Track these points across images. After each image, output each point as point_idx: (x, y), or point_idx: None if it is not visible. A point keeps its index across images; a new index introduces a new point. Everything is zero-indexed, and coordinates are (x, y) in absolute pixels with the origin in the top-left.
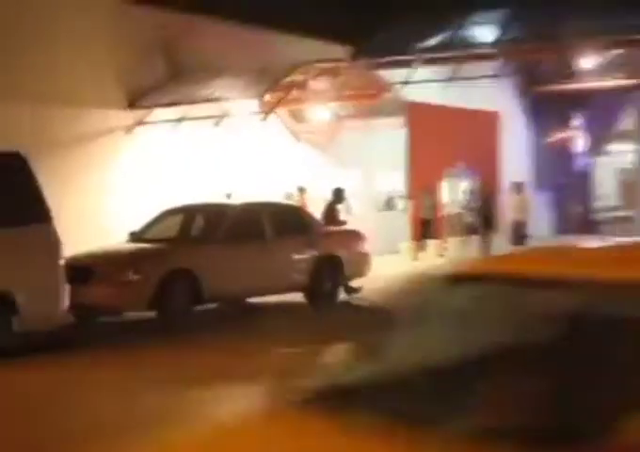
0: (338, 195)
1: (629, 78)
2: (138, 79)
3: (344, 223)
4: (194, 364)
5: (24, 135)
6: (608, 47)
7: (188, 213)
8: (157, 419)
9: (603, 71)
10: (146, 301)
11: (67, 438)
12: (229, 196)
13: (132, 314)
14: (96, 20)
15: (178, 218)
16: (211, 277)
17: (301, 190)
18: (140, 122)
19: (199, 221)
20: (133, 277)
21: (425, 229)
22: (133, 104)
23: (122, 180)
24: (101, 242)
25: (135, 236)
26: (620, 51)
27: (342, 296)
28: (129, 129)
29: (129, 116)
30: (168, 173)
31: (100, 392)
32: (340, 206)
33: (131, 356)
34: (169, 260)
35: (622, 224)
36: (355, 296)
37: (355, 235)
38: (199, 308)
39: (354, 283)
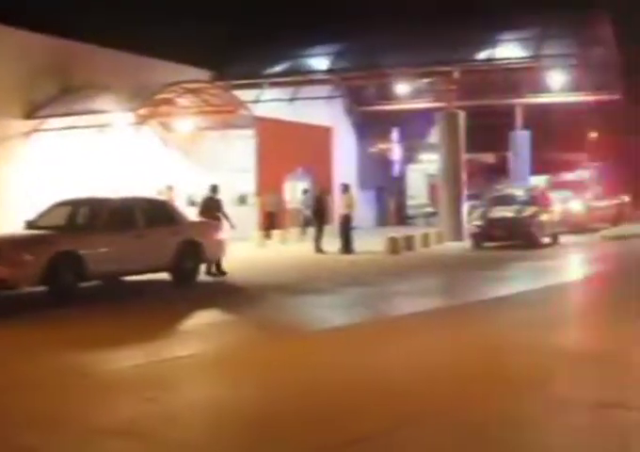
0: (214, 190)
1: (435, 101)
2: (34, 94)
3: (217, 217)
4: (76, 331)
5: None
6: (419, 76)
7: (75, 205)
8: (43, 376)
9: (415, 95)
10: (38, 278)
11: None
12: (114, 192)
13: (27, 290)
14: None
15: (66, 209)
16: (93, 258)
17: (169, 188)
18: (36, 130)
19: (83, 212)
20: (27, 257)
21: (271, 221)
22: (29, 114)
23: (20, 178)
24: (1, 229)
25: (29, 224)
26: (429, 79)
27: (205, 276)
28: (26, 136)
29: (26, 124)
30: (60, 172)
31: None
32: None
33: (25, 324)
34: (58, 243)
35: (429, 218)
36: (221, 277)
37: (213, 225)
38: (83, 284)
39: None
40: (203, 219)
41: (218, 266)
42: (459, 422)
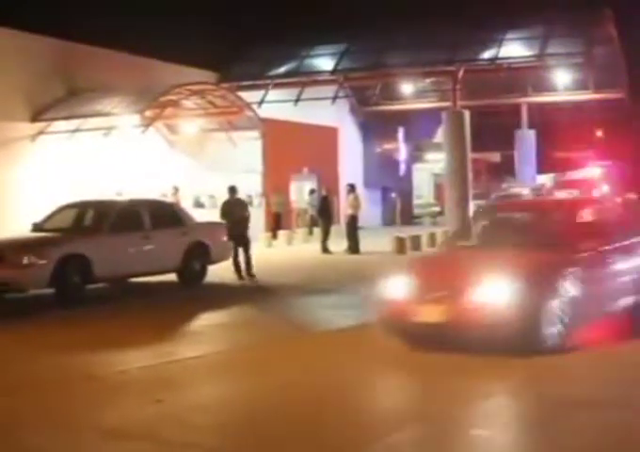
0: (233, 191)
1: (440, 101)
2: (40, 97)
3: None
4: (84, 333)
5: None
6: (423, 76)
7: (82, 207)
8: (52, 378)
9: (420, 94)
10: (46, 281)
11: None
12: (119, 194)
13: (34, 292)
14: (4, 48)
15: (73, 212)
16: (100, 261)
17: (175, 189)
18: (42, 133)
19: (90, 214)
20: (35, 260)
21: (277, 221)
22: (35, 117)
23: (27, 180)
24: (8, 232)
25: (37, 227)
26: (433, 79)
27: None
28: (33, 138)
29: (32, 127)
30: (66, 174)
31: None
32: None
33: (33, 326)
34: (65, 246)
35: (435, 217)
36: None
37: (219, 227)
38: (90, 287)
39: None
40: (210, 221)
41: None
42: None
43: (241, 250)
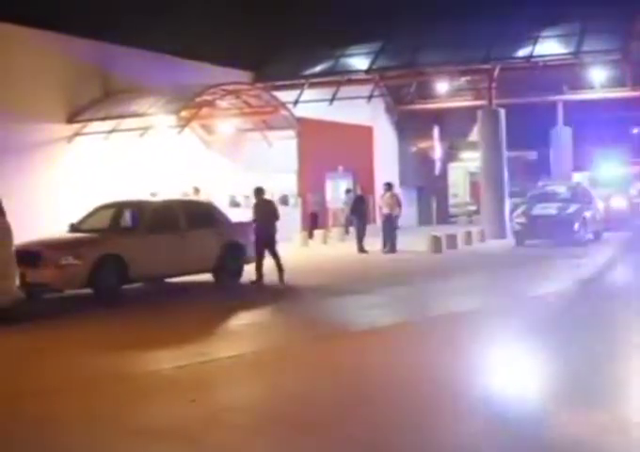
0: (260, 192)
1: (474, 100)
2: (77, 98)
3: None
4: (120, 333)
5: None
6: (458, 74)
7: (118, 208)
8: (87, 376)
9: (455, 93)
10: (83, 281)
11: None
12: (154, 194)
13: (72, 291)
14: (40, 50)
15: (109, 212)
16: (136, 261)
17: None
18: (79, 134)
19: (126, 215)
20: (72, 261)
21: (315, 221)
22: (72, 118)
23: (64, 180)
24: (45, 232)
25: (73, 227)
26: (467, 77)
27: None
28: (70, 139)
29: (69, 128)
30: (102, 175)
31: (49, 354)
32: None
33: (70, 326)
34: (102, 246)
35: (471, 216)
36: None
37: (253, 226)
38: (127, 287)
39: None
40: (245, 221)
41: None
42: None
43: (268, 253)
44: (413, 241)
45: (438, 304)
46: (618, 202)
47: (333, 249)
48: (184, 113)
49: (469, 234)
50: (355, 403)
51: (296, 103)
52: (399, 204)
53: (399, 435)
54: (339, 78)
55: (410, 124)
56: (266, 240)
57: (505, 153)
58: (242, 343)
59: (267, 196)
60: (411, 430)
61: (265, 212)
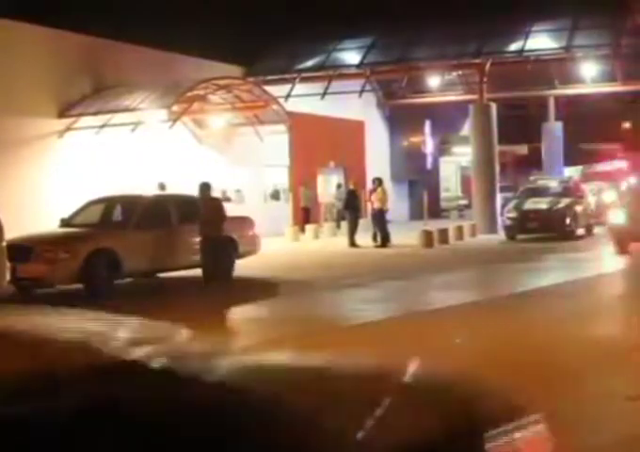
0: (205, 189)
1: (466, 94)
2: (67, 93)
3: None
4: None
5: None
6: (450, 69)
7: (109, 203)
8: None
9: (447, 87)
10: (74, 275)
11: None
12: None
13: (63, 286)
14: (31, 45)
15: (100, 207)
16: (128, 255)
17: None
18: (70, 128)
19: (117, 210)
20: (63, 255)
21: (306, 216)
22: (62, 113)
23: (55, 175)
24: (36, 227)
25: (64, 222)
26: (458, 72)
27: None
28: (60, 134)
29: (60, 123)
30: (93, 170)
31: None
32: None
33: None
34: (93, 241)
35: (462, 211)
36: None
37: (246, 221)
38: (118, 281)
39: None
40: (237, 216)
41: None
42: None
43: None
44: (405, 235)
45: (431, 299)
46: (610, 197)
47: (325, 243)
48: (175, 108)
49: (460, 229)
50: None
51: (287, 97)
52: (388, 200)
53: None
54: (330, 73)
55: (402, 119)
56: (213, 241)
57: (497, 148)
58: (238, 338)
59: (259, 190)
60: None
61: (210, 210)
